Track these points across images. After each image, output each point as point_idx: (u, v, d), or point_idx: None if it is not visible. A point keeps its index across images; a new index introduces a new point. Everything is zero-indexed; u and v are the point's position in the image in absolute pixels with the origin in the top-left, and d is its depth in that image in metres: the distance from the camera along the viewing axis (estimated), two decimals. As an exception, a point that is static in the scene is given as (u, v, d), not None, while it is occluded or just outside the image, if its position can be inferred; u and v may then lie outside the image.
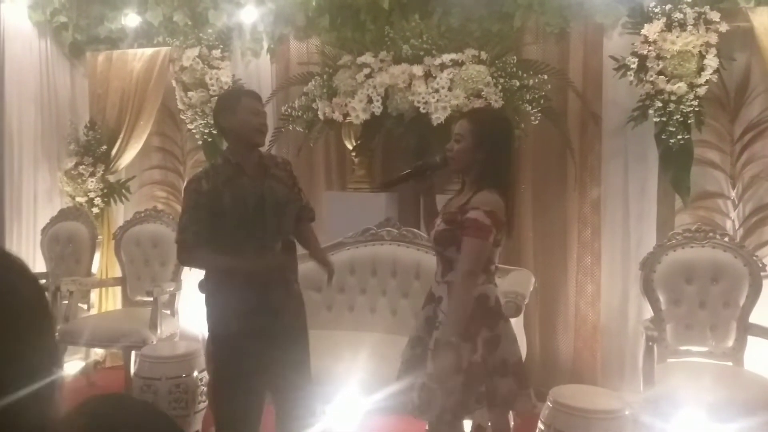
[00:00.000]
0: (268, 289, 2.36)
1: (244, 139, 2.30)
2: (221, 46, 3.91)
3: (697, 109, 3.10)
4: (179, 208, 4.48)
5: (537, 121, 3.30)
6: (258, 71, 4.14)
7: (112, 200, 4.33)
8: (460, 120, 2.19)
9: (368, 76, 3.50)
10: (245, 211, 2.29)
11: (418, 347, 2.18)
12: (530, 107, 3.26)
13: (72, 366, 3.93)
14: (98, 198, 4.26)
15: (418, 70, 3.38)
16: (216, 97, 3.87)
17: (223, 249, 2.30)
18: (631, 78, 3.18)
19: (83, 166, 4.20)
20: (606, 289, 3.57)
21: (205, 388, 3.20)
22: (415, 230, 3.41)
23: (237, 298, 2.30)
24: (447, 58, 3.35)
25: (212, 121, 3.88)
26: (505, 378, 2.05)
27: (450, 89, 3.32)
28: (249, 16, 3.87)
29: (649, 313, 3.21)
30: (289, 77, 3.91)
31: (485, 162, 2.05)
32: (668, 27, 3.11)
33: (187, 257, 2.36)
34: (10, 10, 4.14)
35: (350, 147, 3.71)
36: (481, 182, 2.06)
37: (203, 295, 2.55)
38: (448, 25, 3.56)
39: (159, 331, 3.43)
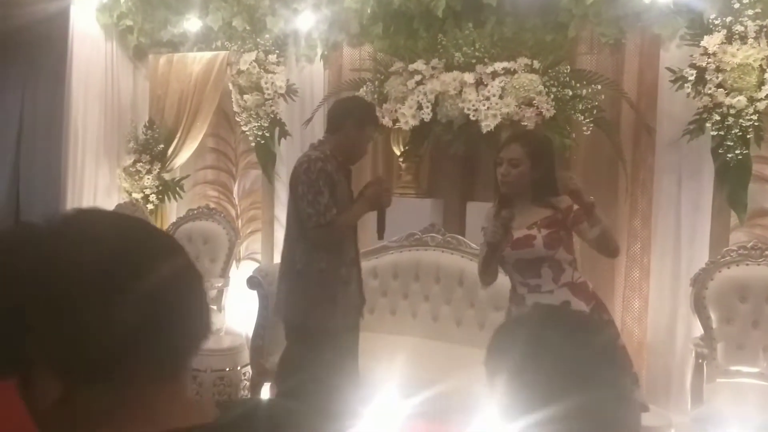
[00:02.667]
0: (359, 285, 2.52)
1: (348, 153, 2.46)
2: (277, 52, 4.02)
3: (756, 123, 3.01)
4: (230, 207, 4.65)
5: (589, 131, 3.26)
6: (311, 76, 4.23)
7: (166, 197, 4.48)
8: (509, 145, 2.28)
9: (419, 83, 3.53)
10: (343, 205, 2.43)
11: None
12: (582, 117, 3.23)
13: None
14: (153, 195, 4.42)
15: (469, 77, 3.39)
16: (269, 100, 4.02)
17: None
18: (689, 90, 3.11)
19: (141, 164, 4.37)
20: (654, 305, 3.49)
21: (248, 383, 3.27)
22: (460, 237, 3.42)
23: (336, 295, 2.44)
24: (499, 66, 3.36)
25: (265, 124, 4.05)
26: None
27: (501, 97, 3.32)
28: (305, 22, 3.97)
29: (698, 331, 3.13)
30: (341, 83, 3.98)
31: (540, 180, 2.21)
32: (728, 39, 3.03)
33: (330, 233, 2.40)
34: (79, 13, 4.36)
35: (398, 152, 3.75)
36: (539, 197, 2.22)
37: (253, 291, 2.65)
38: (501, 34, 3.57)
39: (206, 325, 3.52)
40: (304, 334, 2.46)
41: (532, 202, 2.24)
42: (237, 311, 4.21)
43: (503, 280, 3.28)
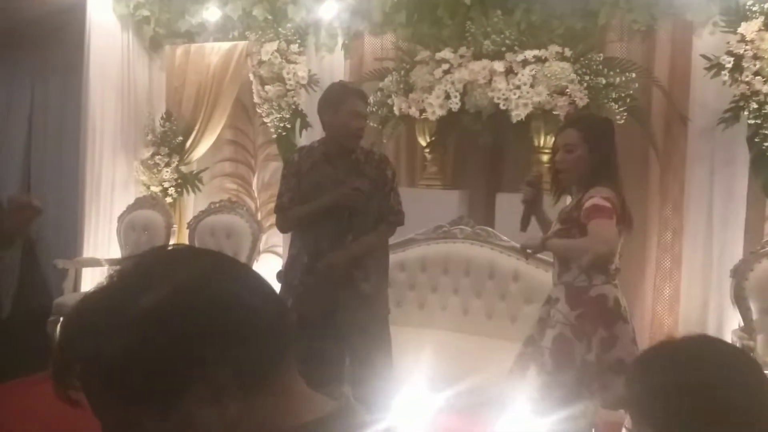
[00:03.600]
0: (329, 283, 2.35)
1: (339, 139, 2.35)
2: (299, 41, 3.95)
3: (795, 111, 2.96)
4: (249, 200, 4.60)
5: (623, 120, 3.20)
6: (332, 66, 4.15)
7: (185, 190, 4.43)
8: (564, 130, 2.18)
9: (446, 72, 3.47)
10: (322, 192, 2.36)
11: (530, 346, 2.20)
12: (616, 106, 3.16)
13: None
14: (172, 188, 4.36)
15: (499, 66, 3.33)
16: (291, 91, 3.96)
17: (296, 230, 2.44)
18: (726, 78, 3.05)
19: (159, 157, 4.30)
20: (686, 294, 3.45)
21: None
22: (489, 229, 3.36)
23: (293, 281, 2.42)
24: (530, 54, 3.29)
25: (287, 115, 3.98)
26: (620, 376, 2.01)
27: (532, 86, 3.26)
28: (327, 11, 3.89)
29: (731, 321, 3.09)
30: (364, 73, 3.91)
31: (597, 164, 2.08)
32: (766, 26, 2.97)
33: (283, 219, 2.44)
34: (96, 3, 4.28)
35: (423, 143, 3.69)
36: (595, 182, 2.07)
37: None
38: (529, 22, 3.50)
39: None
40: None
41: (582, 189, 2.10)
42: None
43: (534, 274, 3.27)
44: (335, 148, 2.39)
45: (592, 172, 2.08)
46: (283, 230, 2.51)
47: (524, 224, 2.37)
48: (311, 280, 2.39)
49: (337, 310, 2.38)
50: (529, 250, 2.24)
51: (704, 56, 3.16)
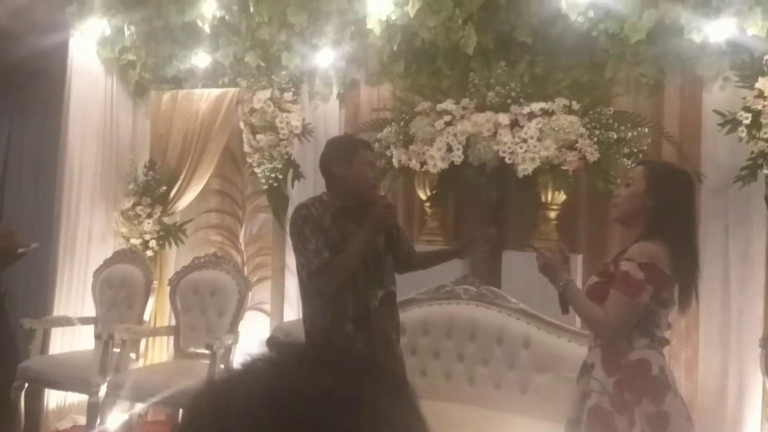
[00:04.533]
0: (371, 346, 2.20)
1: (355, 192, 2.19)
2: (293, 89, 3.79)
3: (817, 170, 2.83)
4: (235, 253, 4.35)
5: (635, 177, 3.04)
6: (325, 115, 4.00)
7: (167, 243, 4.17)
8: (632, 168, 1.99)
9: (448, 124, 3.32)
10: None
11: (575, 429, 1.93)
12: (628, 162, 3.02)
13: (115, 419, 3.68)
14: (153, 240, 4.10)
15: (504, 118, 3.18)
16: (284, 141, 3.77)
17: (321, 299, 2.21)
18: (743, 134, 2.92)
19: (141, 207, 4.06)
20: (704, 360, 3.25)
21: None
22: (496, 289, 3.15)
23: None
24: (536, 107, 3.15)
25: (279, 165, 3.78)
26: None
27: (539, 140, 3.11)
28: (322, 59, 3.75)
29: (754, 388, 2.90)
30: (360, 123, 3.75)
31: (654, 210, 1.83)
32: (784, 81, 2.88)
33: (332, 274, 2.13)
34: (79, 45, 4.10)
35: (424, 197, 3.50)
36: (647, 233, 1.84)
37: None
38: (533, 73, 3.38)
39: (216, 388, 3.17)
40: None
41: (635, 238, 1.87)
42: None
43: (546, 340, 3.05)
44: (351, 201, 2.21)
45: (648, 220, 1.84)
46: (333, 287, 2.16)
47: (565, 305, 2.05)
48: (359, 349, 2.18)
49: None
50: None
51: (718, 112, 3.05)
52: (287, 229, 3.97)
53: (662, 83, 3.31)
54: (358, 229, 2.17)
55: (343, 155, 2.21)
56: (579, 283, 3.16)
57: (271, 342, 2.85)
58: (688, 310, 2.00)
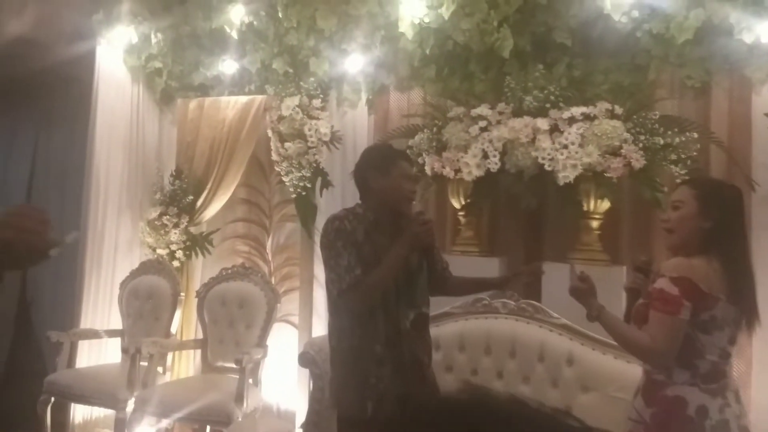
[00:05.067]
0: (400, 370, 2.07)
1: (390, 204, 2.09)
2: (321, 96, 3.69)
3: None
4: (262, 264, 4.26)
5: (683, 185, 2.89)
6: (354, 122, 3.89)
7: (193, 253, 4.09)
8: (678, 188, 1.85)
9: (483, 129, 3.19)
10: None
11: None
12: (677, 168, 2.86)
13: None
14: (180, 251, 4.03)
15: (543, 123, 3.05)
16: (312, 148, 3.68)
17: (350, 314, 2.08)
18: (799, 138, 2.76)
19: (167, 217, 3.99)
20: (758, 374, 3.06)
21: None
22: (537, 303, 3.00)
23: (368, 377, 2.04)
24: (577, 111, 3.01)
25: (307, 174, 3.69)
26: None
27: (581, 145, 2.97)
28: (351, 65, 3.65)
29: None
30: (390, 130, 3.64)
31: (712, 232, 1.71)
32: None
33: (363, 292, 2.01)
34: (106, 54, 4.06)
35: (458, 206, 3.38)
36: (693, 251, 1.72)
37: (305, 369, 2.26)
38: (571, 77, 3.24)
39: (245, 405, 3.08)
40: (341, 425, 2.10)
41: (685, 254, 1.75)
42: (273, 384, 3.78)
43: (592, 357, 2.90)
44: (386, 215, 2.10)
45: (701, 241, 1.72)
46: (364, 306, 2.05)
47: (629, 317, 1.96)
48: (388, 372, 2.05)
49: (410, 401, 2.07)
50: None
51: (771, 115, 2.88)
52: (316, 239, 3.94)
53: (709, 86, 3.15)
54: (393, 245, 2.05)
55: (380, 165, 2.11)
56: (622, 299, 3.04)
57: (303, 358, 2.74)
58: (754, 332, 1.86)
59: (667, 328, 1.66)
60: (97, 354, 3.90)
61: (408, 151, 3.38)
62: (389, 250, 2.04)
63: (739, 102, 3.11)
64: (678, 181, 2.21)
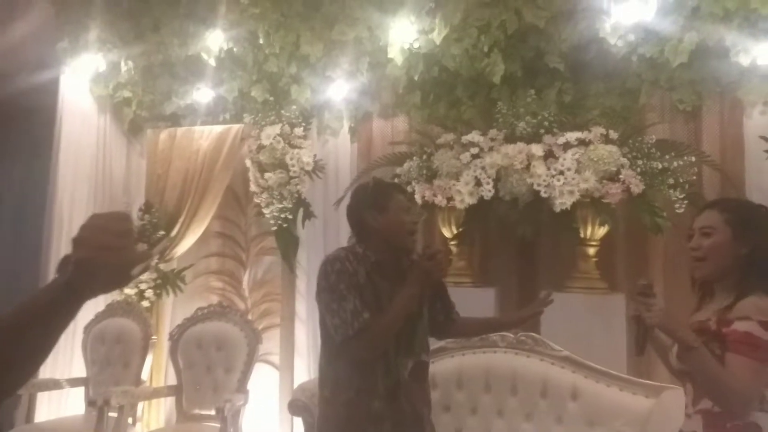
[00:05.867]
0: (400, 425, 1.89)
1: (393, 242, 1.94)
2: (303, 124, 3.54)
3: None
4: (238, 300, 4.02)
5: (683, 209, 2.82)
6: (336, 151, 3.75)
7: (164, 292, 3.83)
8: (702, 213, 1.73)
9: (475, 156, 3.08)
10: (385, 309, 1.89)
11: None
12: (676, 193, 2.79)
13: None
14: (150, 290, 3.76)
15: (537, 149, 2.96)
16: (294, 178, 3.51)
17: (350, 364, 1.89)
18: (796, 161, 2.73)
19: (136, 254, 3.72)
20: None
21: None
22: (536, 335, 2.86)
23: None
24: (572, 136, 2.94)
25: (289, 205, 3.51)
26: None
27: (577, 171, 2.88)
28: (335, 92, 3.52)
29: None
30: (378, 158, 3.50)
31: (750, 258, 1.58)
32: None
33: (372, 339, 1.83)
34: (71, 82, 3.84)
35: (449, 235, 3.24)
36: (747, 285, 1.57)
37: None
38: (561, 102, 3.18)
39: (227, 457, 2.82)
40: None
41: (730, 290, 1.62)
42: (253, 431, 3.51)
43: (597, 390, 2.76)
44: (388, 255, 1.93)
45: (742, 270, 1.60)
46: (373, 354, 1.88)
47: (640, 347, 1.76)
48: (387, 429, 1.86)
49: None
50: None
51: (765, 138, 2.86)
52: (297, 273, 3.74)
53: (700, 109, 3.13)
54: (395, 288, 1.89)
55: (376, 203, 1.95)
56: (623, 328, 2.92)
57: (294, 406, 2.51)
58: None
59: (755, 373, 1.53)
60: (58, 406, 3.58)
61: (396, 180, 3.27)
62: (391, 294, 1.88)
63: (731, 125, 3.09)
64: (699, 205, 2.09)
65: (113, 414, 3.06)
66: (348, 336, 1.80)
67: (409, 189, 3.22)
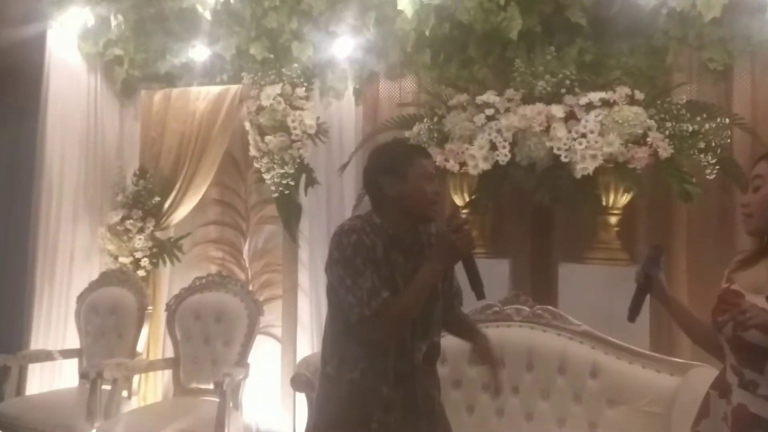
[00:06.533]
0: (412, 412, 1.74)
1: (413, 212, 1.73)
2: (305, 84, 3.33)
3: None
4: (238, 271, 3.86)
5: (714, 175, 2.64)
6: (340, 114, 3.54)
7: (161, 261, 3.68)
8: (755, 165, 1.56)
9: (490, 118, 2.89)
10: (401, 286, 1.70)
11: None
12: (708, 157, 2.60)
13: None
14: (145, 258, 3.62)
15: (557, 110, 2.76)
16: (296, 142, 3.32)
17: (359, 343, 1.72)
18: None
19: (130, 221, 3.58)
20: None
21: None
22: (554, 309, 2.70)
23: (370, 423, 1.71)
24: (595, 97, 2.74)
25: (291, 171, 3.33)
26: None
27: (601, 134, 2.69)
28: (341, 49, 3.30)
29: None
30: (385, 121, 3.30)
31: None
32: None
33: (390, 321, 1.66)
34: (58, 39, 3.62)
35: (461, 203, 3.06)
36: None
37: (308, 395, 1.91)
38: (582, 61, 2.97)
39: (227, 432, 2.69)
40: None
41: None
42: (254, 406, 3.38)
43: (618, 367, 2.62)
44: (406, 226, 1.74)
45: None
46: (390, 336, 1.70)
47: (634, 312, 1.72)
48: (393, 418, 1.71)
49: None
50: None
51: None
52: (300, 242, 3.58)
53: (731, 69, 2.93)
54: (408, 264, 1.71)
55: (395, 168, 1.74)
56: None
57: (297, 380, 2.37)
58: None
59: None
60: (51, 379, 3.46)
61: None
62: (405, 271, 1.70)
63: (763, 86, 2.90)
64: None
65: (107, 387, 2.92)
66: (364, 316, 1.63)
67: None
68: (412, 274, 1.70)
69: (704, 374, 2.47)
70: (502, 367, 1.82)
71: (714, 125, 2.66)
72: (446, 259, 1.67)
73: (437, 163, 2.94)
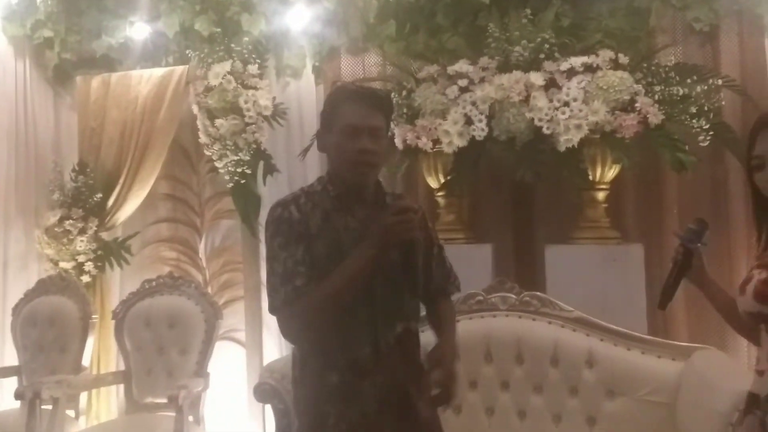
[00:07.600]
0: (382, 409, 1.47)
1: (340, 174, 1.49)
2: (258, 61, 3.03)
3: None
4: (195, 271, 3.55)
5: (708, 142, 2.44)
6: (299, 95, 3.27)
7: (107, 264, 3.34)
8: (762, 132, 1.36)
9: (464, 90, 2.64)
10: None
11: None
12: (702, 122, 2.40)
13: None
14: (89, 262, 3.29)
15: (537, 78, 2.53)
16: (250, 125, 3.04)
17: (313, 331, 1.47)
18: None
19: (70, 221, 3.25)
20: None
21: None
22: (542, 295, 2.47)
23: (340, 423, 1.46)
24: (577, 62, 2.51)
25: (246, 157, 3.04)
26: None
27: (585, 102, 2.47)
28: (293, 21, 3.02)
29: None
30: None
31: None
32: None
33: (304, 312, 1.41)
34: (-22, 22, 3.25)
35: (435, 185, 2.81)
36: None
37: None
38: (558, 25, 2.74)
39: (186, 453, 2.38)
40: None
41: None
42: (217, 419, 3.08)
43: (616, 355, 2.42)
44: (344, 188, 1.48)
45: None
46: (307, 331, 1.45)
47: (667, 297, 1.51)
48: (355, 411, 1.44)
49: None
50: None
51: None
52: (261, 236, 3.28)
53: (717, 30, 2.75)
54: (357, 223, 1.46)
55: (323, 119, 1.51)
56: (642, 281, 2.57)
57: (261, 390, 2.08)
58: None
59: None
60: (-12, 401, 3.09)
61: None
62: (356, 234, 1.44)
63: (751, 47, 2.73)
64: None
65: (49, 407, 2.59)
66: (275, 308, 1.42)
67: (388, 133, 2.77)
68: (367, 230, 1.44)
69: (709, 357, 2.28)
70: (454, 381, 1.52)
71: (705, 88, 2.47)
72: (380, 244, 1.39)
73: (408, 142, 2.70)
